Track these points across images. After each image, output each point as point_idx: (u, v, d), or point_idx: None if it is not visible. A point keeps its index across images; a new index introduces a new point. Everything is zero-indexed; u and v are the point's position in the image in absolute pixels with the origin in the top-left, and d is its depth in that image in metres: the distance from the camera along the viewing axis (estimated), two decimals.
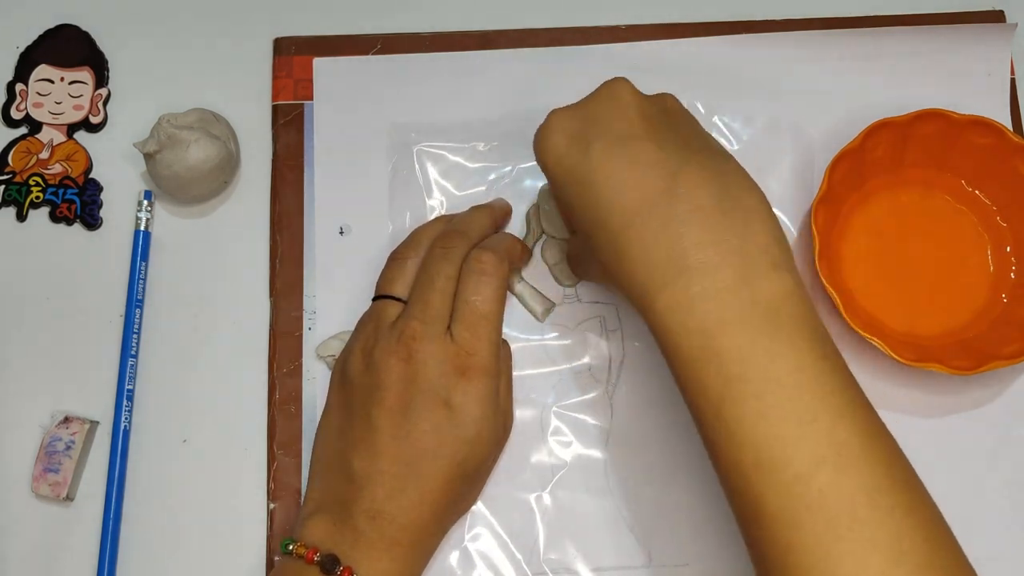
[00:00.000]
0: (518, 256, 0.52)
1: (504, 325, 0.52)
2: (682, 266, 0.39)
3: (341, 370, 0.48)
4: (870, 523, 0.35)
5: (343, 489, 0.45)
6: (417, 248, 0.50)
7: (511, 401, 0.51)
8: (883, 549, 0.35)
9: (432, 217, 0.54)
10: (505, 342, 0.51)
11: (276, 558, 0.50)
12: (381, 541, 0.44)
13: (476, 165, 0.55)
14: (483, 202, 0.53)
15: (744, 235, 0.39)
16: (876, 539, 0.35)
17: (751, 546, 0.39)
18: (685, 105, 0.55)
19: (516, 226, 0.54)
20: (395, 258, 0.50)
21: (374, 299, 0.49)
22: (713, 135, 0.55)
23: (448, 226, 0.50)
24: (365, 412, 0.46)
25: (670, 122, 0.44)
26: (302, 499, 0.50)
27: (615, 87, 0.44)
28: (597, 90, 0.45)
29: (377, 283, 0.50)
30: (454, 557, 0.49)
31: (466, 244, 0.49)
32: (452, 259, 0.48)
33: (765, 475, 0.37)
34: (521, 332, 0.53)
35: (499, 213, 0.53)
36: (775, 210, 0.54)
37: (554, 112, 0.45)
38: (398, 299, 0.48)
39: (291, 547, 0.44)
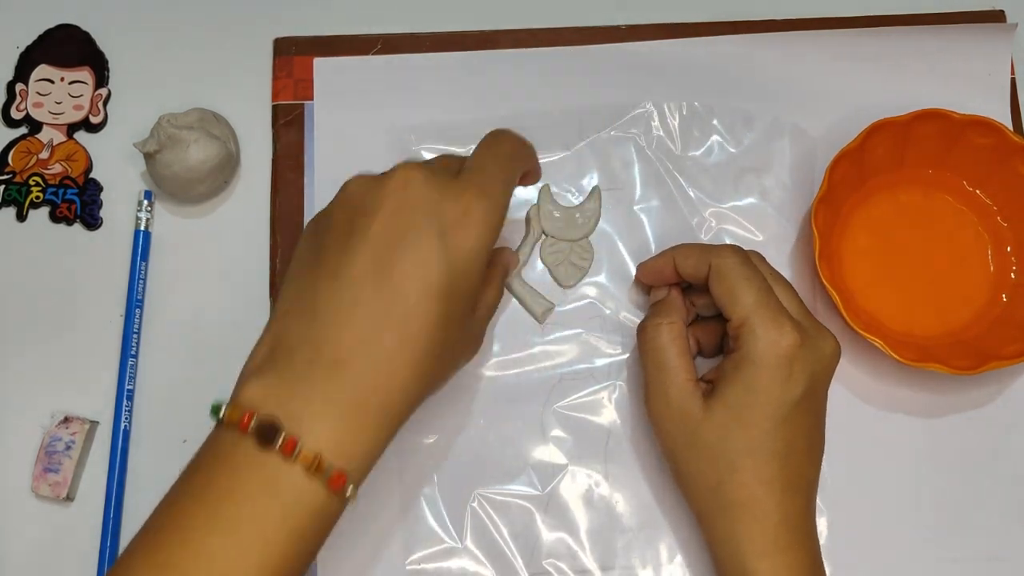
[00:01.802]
0: (512, 259, 0.51)
1: (503, 328, 0.53)
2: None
3: (314, 221, 0.42)
4: None
5: (302, 332, 0.37)
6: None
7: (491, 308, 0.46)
8: None
9: None
10: (514, 255, 0.50)
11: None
12: (341, 401, 0.36)
13: None
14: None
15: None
16: None
17: None
18: (684, 106, 0.56)
19: (516, 225, 0.54)
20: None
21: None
22: (713, 136, 0.55)
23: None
24: (342, 240, 0.38)
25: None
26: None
27: (831, 367, 0.47)
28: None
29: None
30: (454, 557, 0.49)
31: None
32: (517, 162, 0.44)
33: None
34: (521, 333, 0.53)
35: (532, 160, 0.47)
36: (776, 211, 0.54)
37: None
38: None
39: (222, 412, 0.36)
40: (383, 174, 0.40)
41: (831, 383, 0.52)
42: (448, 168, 0.42)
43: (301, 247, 0.41)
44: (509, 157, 0.43)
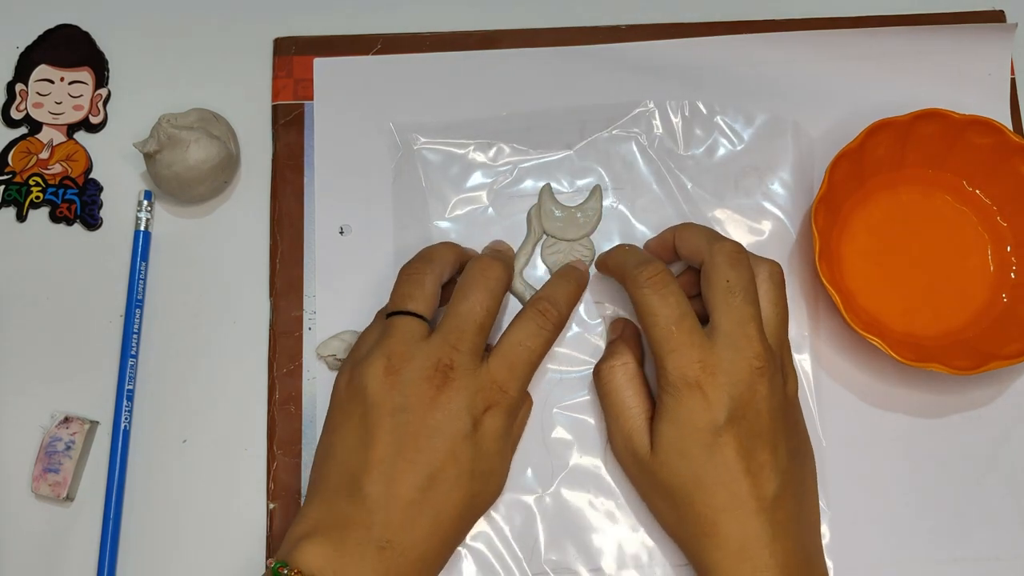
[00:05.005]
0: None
1: (504, 326, 0.52)
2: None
3: (354, 381, 0.46)
4: None
5: (350, 513, 0.43)
6: (432, 265, 0.48)
7: (513, 452, 0.50)
8: None
9: (432, 213, 0.54)
10: (529, 396, 0.50)
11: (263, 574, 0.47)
12: (388, 573, 0.42)
13: (478, 164, 0.55)
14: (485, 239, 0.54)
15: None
16: None
17: None
18: (686, 105, 0.56)
19: (517, 226, 0.54)
20: (411, 274, 0.48)
21: (389, 314, 0.47)
22: (715, 135, 0.55)
23: (489, 251, 0.50)
24: (387, 433, 0.44)
25: (788, 426, 0.46)
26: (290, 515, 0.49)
27: (756, 383, 0.45)
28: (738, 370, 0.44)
29: (392, 298, 0.48)
30: (455, 557, 0.49)
31: (507, 276, 0.48)
32: (495, 293, 0.47)
33: None
34: None
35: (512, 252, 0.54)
36: (776, 210, 0.55)
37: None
38: (419, 316, 0.47)
39: (285, 572, 0.41)
40: (420, 361, 0.45)
41: (837, 384, 0.52)
42: (476, 348, 0.46)
43: (338, 412, 0.46)
44: (550, 340, 0.48)
